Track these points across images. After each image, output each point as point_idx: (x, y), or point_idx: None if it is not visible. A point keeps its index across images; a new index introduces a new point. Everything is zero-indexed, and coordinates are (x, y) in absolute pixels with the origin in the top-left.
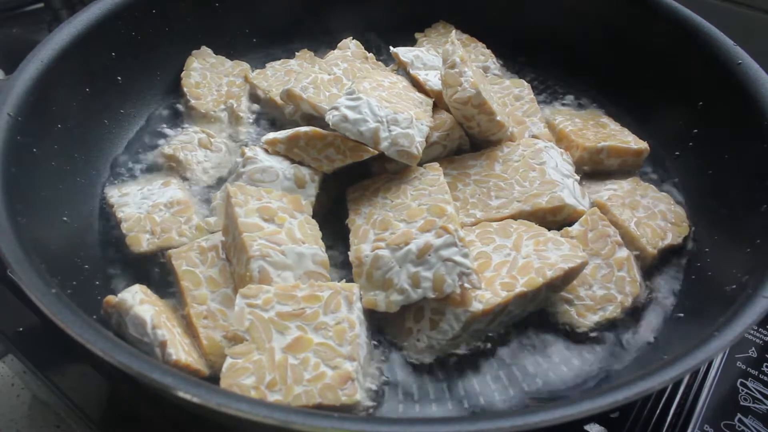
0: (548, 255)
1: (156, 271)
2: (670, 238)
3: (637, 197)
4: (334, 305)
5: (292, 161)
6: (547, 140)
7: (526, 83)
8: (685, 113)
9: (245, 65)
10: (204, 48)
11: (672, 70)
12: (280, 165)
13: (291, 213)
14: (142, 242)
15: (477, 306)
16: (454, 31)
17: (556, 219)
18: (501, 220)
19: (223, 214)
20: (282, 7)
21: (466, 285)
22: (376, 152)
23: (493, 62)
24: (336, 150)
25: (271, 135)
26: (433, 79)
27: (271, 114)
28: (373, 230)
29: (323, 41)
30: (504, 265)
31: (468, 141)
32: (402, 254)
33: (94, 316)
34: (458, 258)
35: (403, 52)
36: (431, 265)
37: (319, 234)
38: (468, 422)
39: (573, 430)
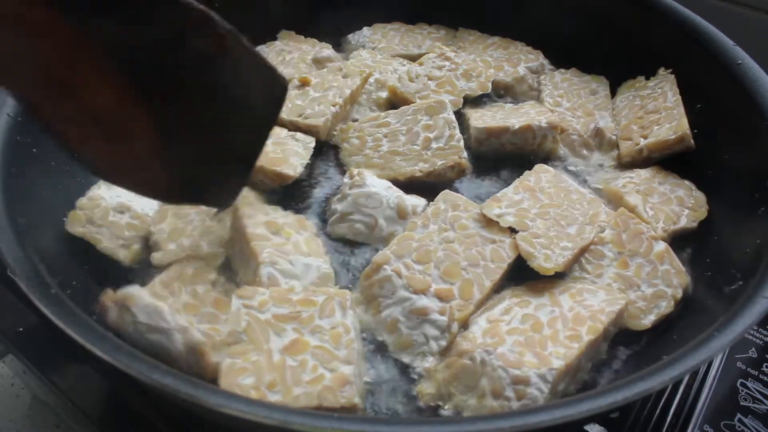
0: (590, 303)
1: (154, 271)
2: (684, 222)
3: (655, 184)
4: (329, 310)
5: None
6: (610, 133)
7: (605, 80)
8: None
9: None
10: None
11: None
12: (385, 193)
13: (296, 229)
14: (78, 223)
15: (558, 363)
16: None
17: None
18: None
19: (230, 226)
20: (286, 7)
21: (415, 367)
22: (294, 177)
23: (543, 59)
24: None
25: None
26: None
27: None
28: (410, 256)
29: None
30: (556, 321)
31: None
32: (402, 297)
33: (94, 317)
34: (432, 342)
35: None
36: (413, 327)
37: (324, 250)
38: (468, 423)
39: (573, 430)
